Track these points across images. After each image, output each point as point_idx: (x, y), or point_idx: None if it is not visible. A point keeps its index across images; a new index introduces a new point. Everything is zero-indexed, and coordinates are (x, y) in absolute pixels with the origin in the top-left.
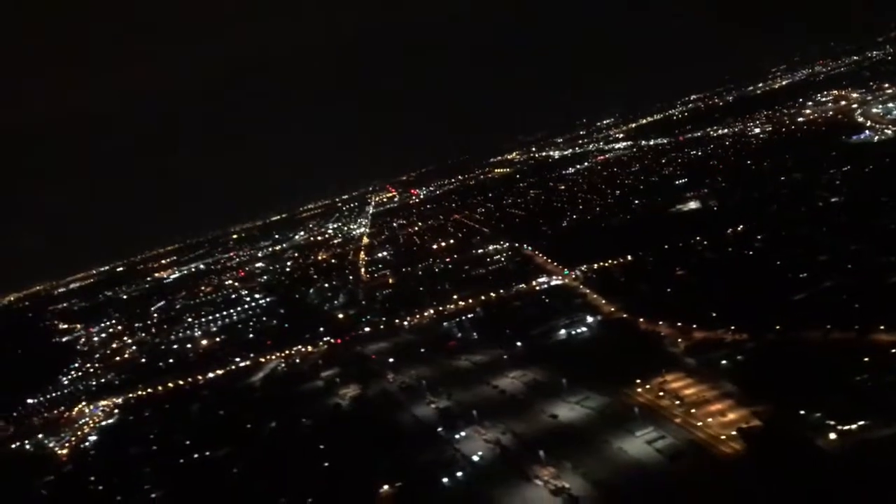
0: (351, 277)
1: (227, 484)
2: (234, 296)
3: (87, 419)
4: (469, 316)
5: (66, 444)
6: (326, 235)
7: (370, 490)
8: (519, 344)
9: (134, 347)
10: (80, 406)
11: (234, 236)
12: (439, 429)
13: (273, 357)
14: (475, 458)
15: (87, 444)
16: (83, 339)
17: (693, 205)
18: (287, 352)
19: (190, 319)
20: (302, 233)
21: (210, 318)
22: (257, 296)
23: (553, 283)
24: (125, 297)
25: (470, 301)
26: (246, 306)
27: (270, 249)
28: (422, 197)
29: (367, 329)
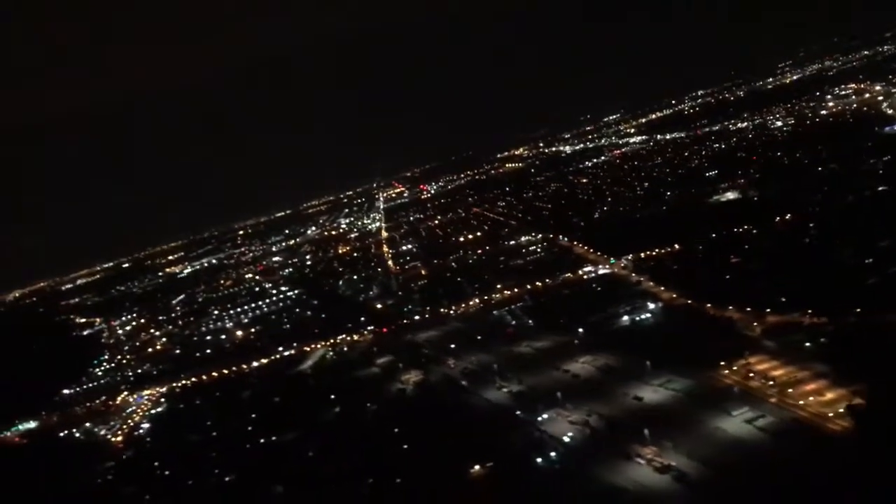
0: (379, 269)
1: (305, 466)
2: (257, 289)
3: (134, 408)
4: (518, 304)
5: (119, 432)
6: (341, 230)
7: (460, 470)
8: (581, 330)
9: (164, 339)
10: (122, 395)
11: (241, 232)
12: (518, 412)
13: (317, 346)
14: (565, 438)
15: (140, 431)
16: (107, 333)
17: (731, 195)
18: (331, 341)
19: (217, 312)
20: (313, 228)
21: (238, 310)
22: (283, 288)
23: (600, 271)
24: (140, 291)
25: (515, 290)
26: (274, 298)
27: (284, 244)
28: (432, 192)
29: (411, 318)
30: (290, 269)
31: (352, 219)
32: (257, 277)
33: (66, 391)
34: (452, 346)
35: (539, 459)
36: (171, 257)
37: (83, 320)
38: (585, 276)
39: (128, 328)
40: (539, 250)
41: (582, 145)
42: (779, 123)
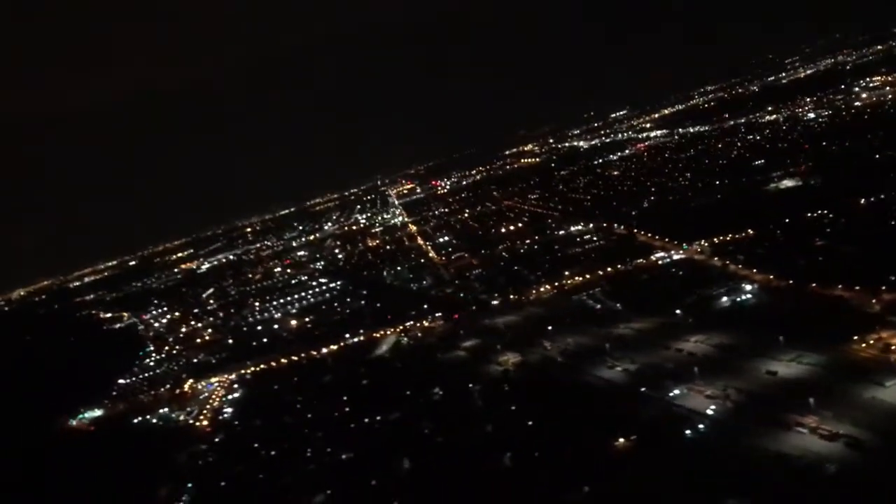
0: (422, 260)
1: (426, 443)
2: (293, 281)
3: (207, 394)
4: (597, 290)
5: (201, 417)
6: (361, 225)
7: (602, 443)
8: (678, 312)
9: (210, 330)
10: (188, 383)
11: (248, 230)
12: (642, 388)
13: (385, 333)
14: (708, 412)
15: (225, 415)
16: (141, 326)
17: (789, 183)
18: (399, 327)
19: (258, 304)
20: (329, 224)
21: (281, 301)
22: (322, 280)
23: (675, 257)
24: (161, 287)
25: (587, 276)
26: (316, 290)
27: (303, 239)
28: (447, 188)
29: (482, 304)
30: (323, 263)
31: (369, 214)
32: (289, 271)
33: (121, 381)
34: (539, 329)
35: (688, 432)
36: (180, 254)
37: (108, 315)
38: (661, 262)
39: (163, 321)
40: (595, 239)
41: (597, 141)
42: (811, 115)
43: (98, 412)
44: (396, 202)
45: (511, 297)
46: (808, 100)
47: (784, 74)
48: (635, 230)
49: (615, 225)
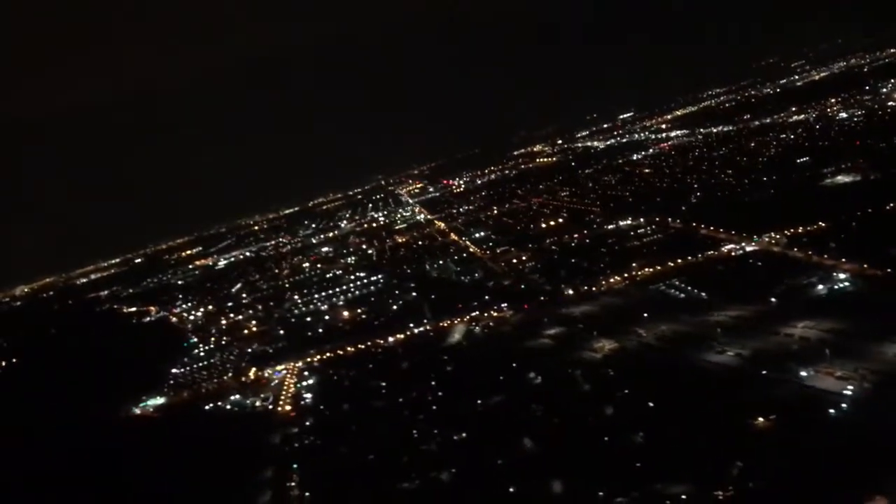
0: (464, 255)
1: (542, 424)
2: (328, 276)
3: (277, 381)
4: (674, 280)
5: (280, 403)
6: (380, 223)
7: (739, 422)
8: (773, 300)
9: (253, 322)
10: (251, 371)
11: (256, 227)
12: (763, 371)
13: (452, 322)
14: (846, 392)
15: (306, 401)
16: (175, 319)
17: (845, 178)
18: (467, 317)
19: (296, 297)
20: (344, 222)
21: (321, 294)
22: (360, 274)
23: (748, 248)
24: (181, 282)
25: (658, 267)
26: (357, 284)
27: (323, 236)
28: (462, 187)
29: (551, 295)
30: (353, 258)
31: (385, 212)
32: (319, 266)
33: (173, 370)
34: (625, 317)
35: (831, 411)
36: (189, 252)
37: (133, 309)
38: (733, 253)
39: (197, 314)
40: (650, 232)
41: (612, 141)
42: (843, 115)
43: (160, 400)
44: (410, 201)
45: (582, 287)
46: (833, 101)
47: (797, 77)
48: (693, 224)
49: (668, 219)
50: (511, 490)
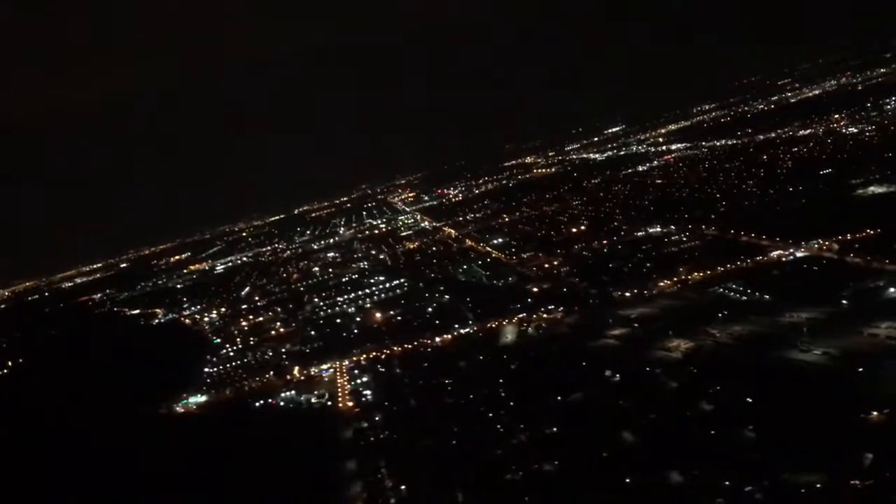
0: (488, 259)
1: (636, 419)
2: (344, 279)
3: (328, 379)
4: (729, 284)
5: (338, 400)
6: (383, 229)
7: (850, 416)
8: (844, 302)
9: (277, 323)
10: (294, 369)
11: (244, 234)
12: (860, 368)
13: (499, 323)
14: None
15: (367, 398)
16: (188, 321)
17: (878, 189)
18: (511, 319)
19: (316, 300)
20: (342, 229)
21: (345, 297)
22: (380, 278)
23: (799, 254)
24: (179, 286)
25: (707, 272)
26: (379, 287)
27: (323, 242)
28: (460, 196)
29: (600, 298)
30: (366, 263)
31: (382, 220)
32: (330, 271)
33: (206, 370)
34: (690, 318)
35: None
36: (177, 257)
37: (135, 311)
38: (784, 259)
39: (212, 316)
40: (685, 239)
41: (610, 153)
42: (853, 130)
43: (202, 398)
44: (407, 209)
45: (632, 290)
46: (837, 116)
47: (789, 94)
48: (731, 231)
49: (702, 226)
50: (627, 480)
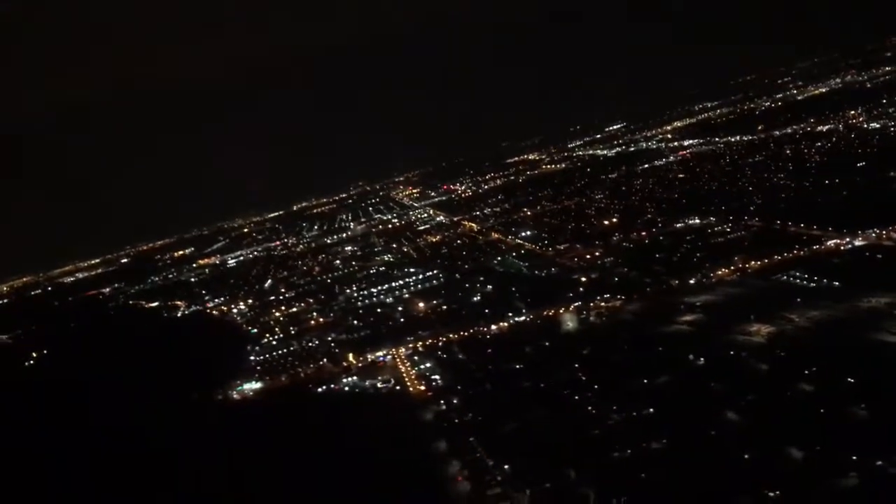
0: (522, 251)
1: (734, 401)
2: (372, 271)
3: (388, 365)
4: (791, 272)
5: (407, 385)
6: (397, 223)
7: None
8: None
9: (314, 313)
10: (348, 356)
11: (245, 230)
12: None
13: (555, 312)
14: None
15: (437, 383)
16: (215, 313)
17: None
18: (568, 308)
19: (348, 291)
20: (352, 223)
21: (380, 288)
22: (410, 269)
23: (857, 243)
24: (193, 279)
25: (765, 261)
26: (413, 279)
27: (335, 237)
28: (469, 192)
29: (660, 286)
30: (389, 256)
31: (392, 215)
32: (354, 263)
33: (252, 358)
34: (761, 303)
35: None
36: (181, 252)
37: (154, 304)
38: (843, 248)
39: (240, 307)
40: (729, 230)
41: (619, 149)
42: (875, 125)
43: (256, 385)
44: (415, 204)
45: (691, 279)
46: (853, 112)
47: (795, 92)
48: (777, 222)
49: (745, 217)
50: (746, 456)
